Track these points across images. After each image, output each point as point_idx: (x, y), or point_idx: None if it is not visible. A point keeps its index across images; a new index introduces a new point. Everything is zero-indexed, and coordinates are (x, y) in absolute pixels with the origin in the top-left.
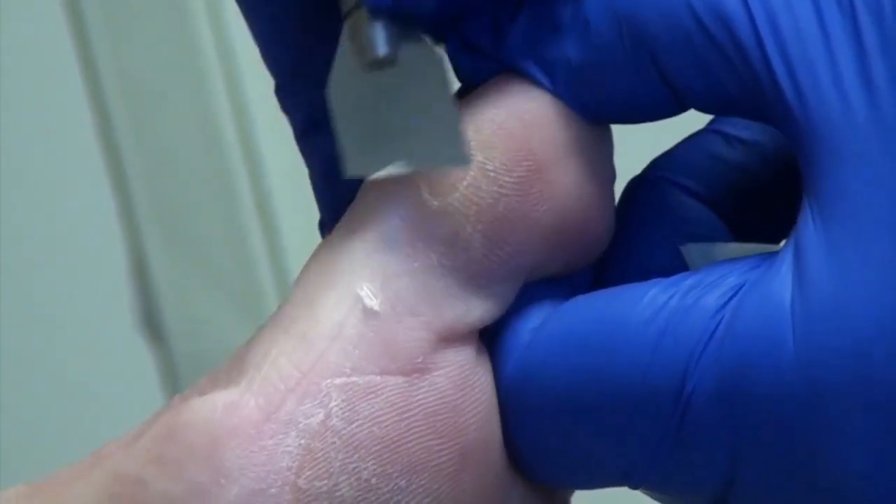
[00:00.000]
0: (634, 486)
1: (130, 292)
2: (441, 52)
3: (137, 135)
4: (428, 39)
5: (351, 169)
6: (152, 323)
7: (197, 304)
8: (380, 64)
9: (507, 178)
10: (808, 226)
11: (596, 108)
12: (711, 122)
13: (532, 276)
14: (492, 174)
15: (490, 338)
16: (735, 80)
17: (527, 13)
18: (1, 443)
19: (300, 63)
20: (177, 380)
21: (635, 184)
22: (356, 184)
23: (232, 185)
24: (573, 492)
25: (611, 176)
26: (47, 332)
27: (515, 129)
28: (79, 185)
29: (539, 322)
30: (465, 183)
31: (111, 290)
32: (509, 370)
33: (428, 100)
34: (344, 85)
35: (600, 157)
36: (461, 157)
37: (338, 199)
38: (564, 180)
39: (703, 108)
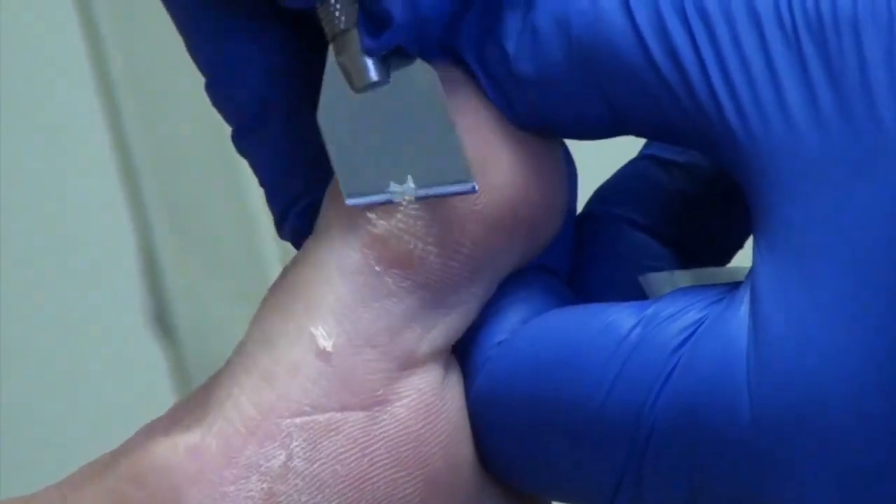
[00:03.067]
0: None
1: (141, 290)
2: (433, 69)
3: (148, 132)
4: (419, 58)
5: (349, 195)
6: (163, 321)
7: (208, 302)
8: (372, 86)
9: None
10: (760, 265)
11: (529, 120)
12: (645, 146)
13: (494, 276)
14: None
15: (460, 351)
16: (682, 116)
17: (479, 5)
18: (10, 441)
19: (244, 60)
20: (187, 378)
21: (582, 221)
22: (305, 185)
23: (243, 182)
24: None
25: (552, 153)
26: (57, 330)
27: None
28: (89, 183)
29: (505, 336)
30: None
31: (121, 287)
32: (476, 386)
33: (423, 119)
34: (334, 109)
35: (537, 138)
36: (462, 177)
37: (287, 201)
38: (502, 167)
39: (645, 136)
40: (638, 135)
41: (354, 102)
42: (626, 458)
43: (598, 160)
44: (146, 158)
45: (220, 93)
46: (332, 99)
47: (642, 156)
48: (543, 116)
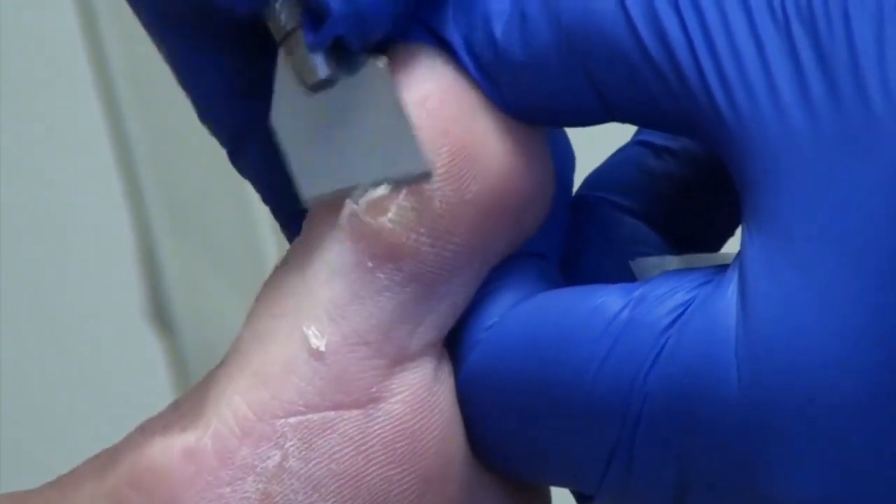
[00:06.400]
0: (589, 497)
1: (139, 282)
2: (384, 62)
3: (147, 124)
4: (368, 52)
5: (305, 194)
6: (161, 313)
7: (206, 295)
8: (323, 85)
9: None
10: (749, 247)
11: (517, 106)
12: (637, 133)
13: (483, 264)
14: None
15: (451, 338)
16: (670, 100)
17: None
18: (9, 434)
19: (219, 85)
20: (186, 372)
21: (574, 206)
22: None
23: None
24: (550, 489)
25: (539, 138)
26: (56, 323)
27: (422, 118)
28: (88, 175)
29: (495, 320)
30: (401, 195)
31: (120, 280)
32: (467, 369)
33: (377, 114)
34: (287, 110)
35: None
36: (421, 167)
37: (290, 211)
38: (491, 153)
39: (633, 122)
40: (627, 122)
41: (307, 103)
42: (616, 438)
43: (590, 146)
44: (145, 153)
45: (206, 121)
46: (284, 101)
47: (634, 142)
48: (531, 103)
